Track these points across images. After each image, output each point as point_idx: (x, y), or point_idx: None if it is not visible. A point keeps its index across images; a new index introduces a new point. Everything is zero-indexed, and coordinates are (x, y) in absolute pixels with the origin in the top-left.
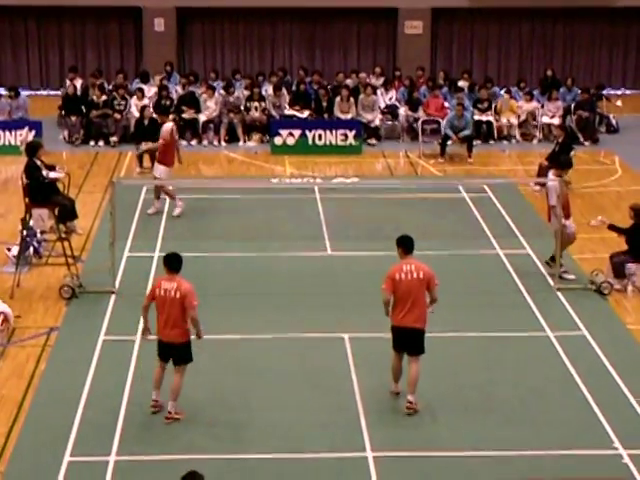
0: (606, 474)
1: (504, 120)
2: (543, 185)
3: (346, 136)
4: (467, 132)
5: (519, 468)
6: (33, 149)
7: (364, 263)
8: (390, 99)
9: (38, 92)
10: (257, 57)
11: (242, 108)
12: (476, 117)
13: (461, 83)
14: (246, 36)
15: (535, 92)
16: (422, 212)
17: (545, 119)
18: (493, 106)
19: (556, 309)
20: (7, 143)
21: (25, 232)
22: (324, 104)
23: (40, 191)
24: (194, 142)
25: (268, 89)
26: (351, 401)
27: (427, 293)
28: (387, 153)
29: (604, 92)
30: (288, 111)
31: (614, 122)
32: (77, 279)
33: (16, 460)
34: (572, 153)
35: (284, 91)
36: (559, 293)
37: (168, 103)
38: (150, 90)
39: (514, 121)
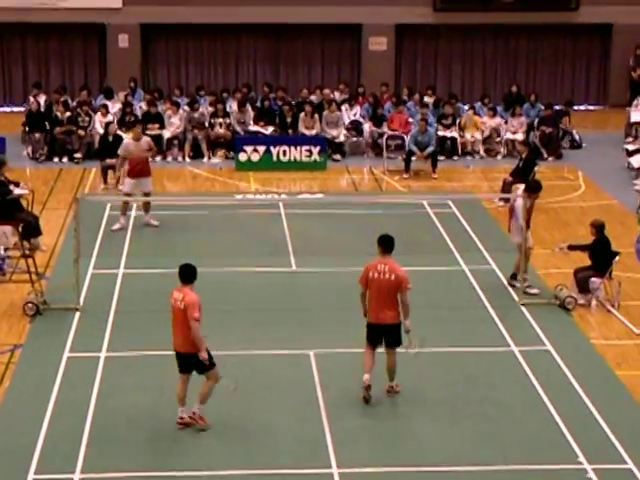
0: None
1: (468, 136)
2: (507, 201)
3: (311, 152)
4: (431, 148)
5: None
6: None
7: (329, 279)
8: (354, 115)
9: (1, 108)
10: (221, 73)
11: (206, 124)
12: (440, 133)
13: (425, 99)
14: (210, 52)
15: (499, 108)
16: (387, 228)
17: (509, 135)
18: (457, 122)
19: (520, 324)
20: None
21: None
22: (288, 120)
23: (4, 208)
24: (158, 158)
25: (232, 105)
26: (316, 417)
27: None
28: (352, 169)
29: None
30: (252, 127)
31: (577, 137)
32: (41, 296)
33: None
34: (536, 169)
35: (248, 107)
36: (523, 308)
37: (132, 119)
38: (114, 106)
39: (478, 137)
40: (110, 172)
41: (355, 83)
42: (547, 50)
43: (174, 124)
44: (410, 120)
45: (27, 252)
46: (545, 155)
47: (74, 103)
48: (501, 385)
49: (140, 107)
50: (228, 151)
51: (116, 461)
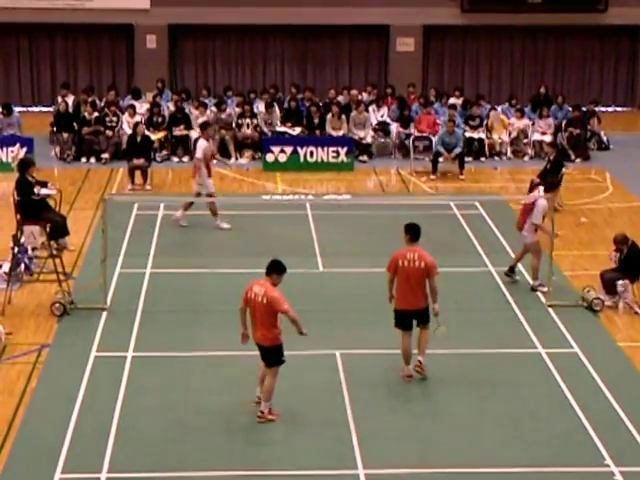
0: None
1: (495, 137)
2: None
3: (338, 153)
4: (458, 149)
5: None
6: (25, 166)
7: (355, 280)
8: (382, 116)
9: (30, 108)
10: (249, 74)
11: (234, 125)
12: (467, 134)
13: (452, 100)
14: (238, 53)
15: (526, 109)
16: None
17: (536, 136)
18: (484, 123)
19: (548, 326)
20: None
21: (16, 249)
22: (316, 121)
23: (32, 208)
24: (186, 159)
25: (260, 106)
26: (343, 418)
27: (427, 281)
28: (379, 170)
29: (596, 108)
30: (280, 128)
31: (605, 139)
32: (69, 296)
33: (7, 478)
34: (563, 170)
35: (276, 108)
36: (551, 310)
37: (160, 120)
38: (142, 107)
39: (505, 138)
40: (137, 172)
41: (382, 84)
42: (575, 51)
43: None
44: (438, 121)
45: (55, 252)
46: (573, 157)
47: (102, 103)
48: (528, 387)
49: (168, 107)
50: (255, 152)
51: (142, 461)
